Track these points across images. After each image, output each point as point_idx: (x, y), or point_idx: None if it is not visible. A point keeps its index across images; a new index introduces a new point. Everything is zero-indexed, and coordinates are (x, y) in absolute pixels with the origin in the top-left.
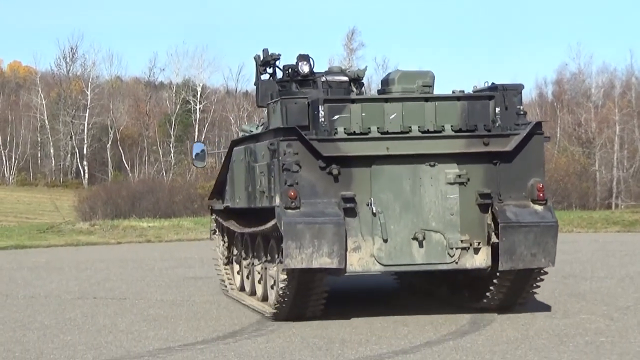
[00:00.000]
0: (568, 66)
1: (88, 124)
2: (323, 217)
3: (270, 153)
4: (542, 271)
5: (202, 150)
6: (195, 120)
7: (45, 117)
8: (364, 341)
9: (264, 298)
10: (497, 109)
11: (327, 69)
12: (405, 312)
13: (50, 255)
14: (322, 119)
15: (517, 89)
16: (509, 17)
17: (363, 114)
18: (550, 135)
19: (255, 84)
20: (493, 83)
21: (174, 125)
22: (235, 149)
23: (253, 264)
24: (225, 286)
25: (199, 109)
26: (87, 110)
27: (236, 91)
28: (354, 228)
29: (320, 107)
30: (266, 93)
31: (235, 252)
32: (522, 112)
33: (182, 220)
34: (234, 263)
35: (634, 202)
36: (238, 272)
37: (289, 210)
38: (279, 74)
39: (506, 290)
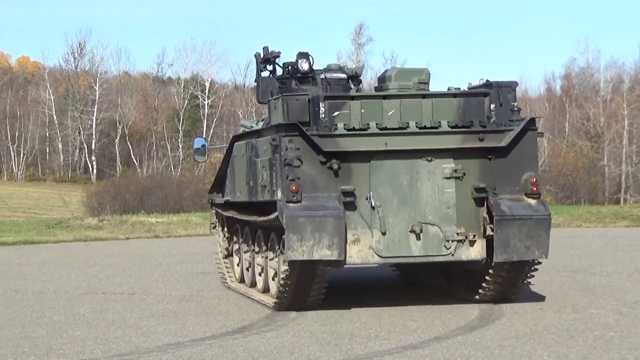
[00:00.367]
0: (576, 61)
1: (96, 119)
2: (324, 210)
3: (272, 148)
4: (535, 263)
5: (203, 145)
6: (204, 115)
7: (54, 113)
8: (373, 336)
9: (265, 290)
10: (492, 106)
11: (326, 66)
12: (414, 307)
13: (58, 250)
14: (323, 115)
15: (512, 86)
16: (517, 11)
17: (362, 111)
18: (558, 129)
19: (255, 81)
20: (488, 80)
21: (182, 120)
22: (236, 144)
23: (254, 256)
24: (225, 279)
25: (207, 104)
26: (96, 105)
27: (244, 86)
28: (353, 221)
29: (320, 103)
30: (266, 90)
31: (235, 244)
32: (516, 109)
33: (190, 216)
34: (234, 255)
35: None
36: (238, 264)
37: (291, 204)
38: (279, 71)
39: (501, 281)
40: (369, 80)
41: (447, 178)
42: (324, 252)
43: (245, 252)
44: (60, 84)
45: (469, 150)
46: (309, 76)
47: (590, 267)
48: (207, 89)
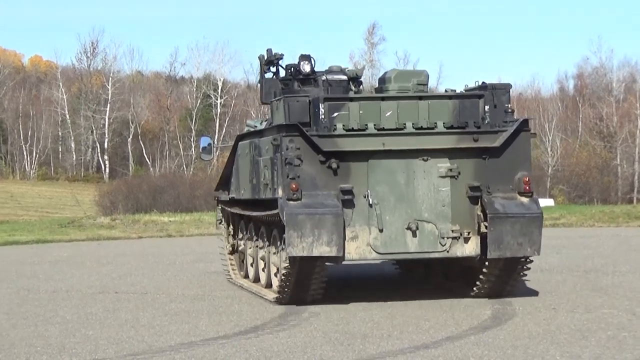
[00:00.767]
0: (589, 60)
1: (109, 119)
2: (323, 208)
3: (273, 148)
4: (529, 260)
5: (209, 144)
6: (216, 114)
7: (66, 112)
8: (385, 336)
9: (268, 285)
10: (487, 107)
11: (327, 68)
12: (426, 307)
13: (71, 249)
14: (322, 116)
15: (506, 88)
16: (530, 11)
17: (361, 112)
18: (571, 129)
19: (259, 82)
20: (484, 82)
21: (195, 119)
22: (240, 143)
23: (257, 252)
24: (229, 274)
25: (220, 103)
26: (108, 104)
27: (257, 85)
28: (351, 218)
29: (320, 105)
30: (270, 91)
31: (240, 241)
32: (510, 110)
33: (203, 215)
34: (239, 251)
35: None
36: (242, 261)
37: (291, 202)
38: (282, 73)
39: (495, 278)
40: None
41: (443, 177)
42: (323, 249)
43: (250, 248)
44: (73, 83)
45: (463, 150)
46: (310, 78)
47: (603, 266)
48: (219, 88)
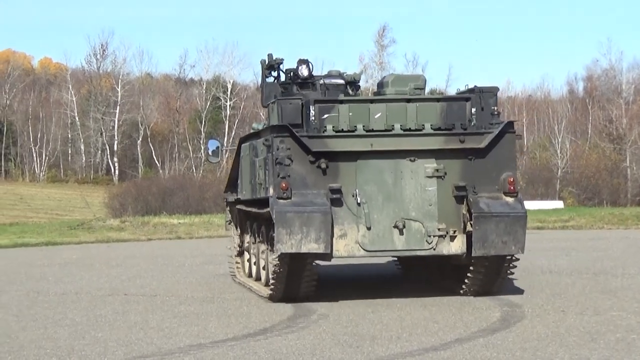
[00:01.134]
0: (599, 62)
1: (118, 121)
2: (311, 206)
3: (265, 148)
4: (513, 258)
5: (217, 147)
6: (226, 116)
7: (76, 114)
8: (394, 338)
9: (267, 283)
10: (473, 110)
11: (326, 73)
12: (434, 308)
13: (81, 251)
14: (313, 118)
15: (493, 91)
16: (540, 13)
17: (350, 114)
18: (581, 131)
19: (260, 86)
20: (476, 86)
21: (204, 121)
22: (242, 145)
23: (258, 251)
24: (234, 274)
25: (229, 105)
26: (118, 107)
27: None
28: (340, 217)
29: (311, 107)
30: (270, 94)
31: (246, 241)
32: (496, 113)
33: (212, 217)
34: (245, 251)
35: None
36: (248, 260)
37: (281, 200)
38: (283, 77)
39: (482, 276)
40: None
41: (429, 177)
42: (311, 246)
43: (252, 247)
44: (83, 86)
45: (450, 151)
46: (309, 82)
47: (613, 269)
48: (229, 90)
